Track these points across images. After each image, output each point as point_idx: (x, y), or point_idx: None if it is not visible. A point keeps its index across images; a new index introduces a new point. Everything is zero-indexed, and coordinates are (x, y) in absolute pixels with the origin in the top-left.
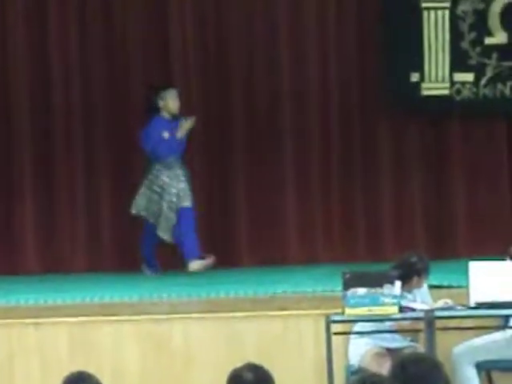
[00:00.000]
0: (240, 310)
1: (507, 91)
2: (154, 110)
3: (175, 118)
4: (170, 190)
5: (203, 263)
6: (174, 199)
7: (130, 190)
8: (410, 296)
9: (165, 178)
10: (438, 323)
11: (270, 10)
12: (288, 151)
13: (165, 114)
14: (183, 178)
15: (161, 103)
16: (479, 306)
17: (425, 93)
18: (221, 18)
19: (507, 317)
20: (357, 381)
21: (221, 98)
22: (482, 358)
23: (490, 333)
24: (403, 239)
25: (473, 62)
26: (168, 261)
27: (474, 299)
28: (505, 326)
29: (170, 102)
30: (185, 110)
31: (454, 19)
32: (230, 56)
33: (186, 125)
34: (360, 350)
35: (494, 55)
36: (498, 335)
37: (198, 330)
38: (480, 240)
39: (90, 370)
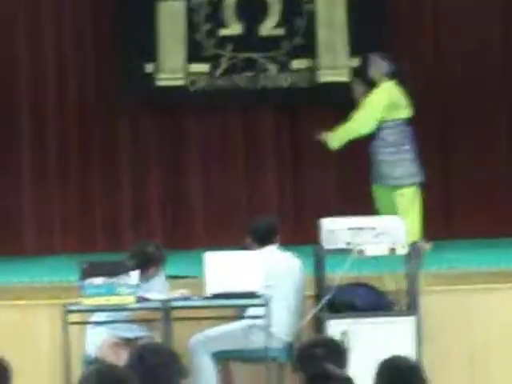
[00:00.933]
0: None
1: (242, 82)
2: None
3: None
4: None
5: None
6: None
7: None
8: (146, 286)
9: None
10: (175, 313)
11: None
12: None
13: None
14: None
15: None
16: (215, 296)
17: (160, 83)
18: None
19: (243, 307)
20: (93, 371)
21: None
22: (218, 348)
23: (227, 323)
24: (141, 230)
25: (208, 53)
26: None
27: (209, 290)
28: (242, 317)
29: None
30: None
31: (189, 11)
32: None
33: None
34: (97, 340)
35: (229, 46)
36: (233, 325)
37: None
38: (215, 231)
39: None
